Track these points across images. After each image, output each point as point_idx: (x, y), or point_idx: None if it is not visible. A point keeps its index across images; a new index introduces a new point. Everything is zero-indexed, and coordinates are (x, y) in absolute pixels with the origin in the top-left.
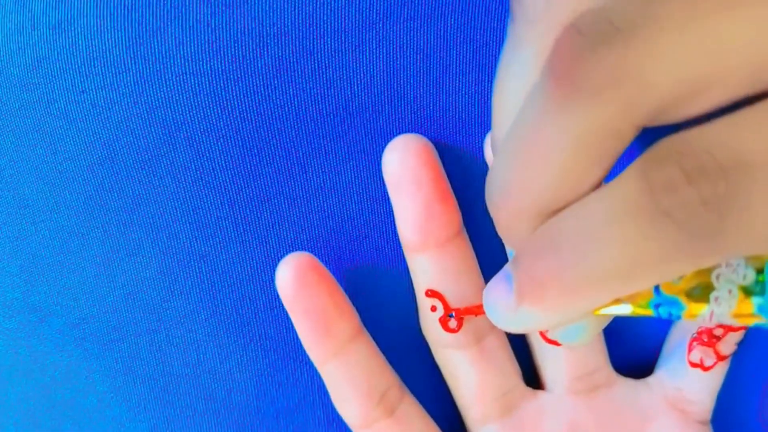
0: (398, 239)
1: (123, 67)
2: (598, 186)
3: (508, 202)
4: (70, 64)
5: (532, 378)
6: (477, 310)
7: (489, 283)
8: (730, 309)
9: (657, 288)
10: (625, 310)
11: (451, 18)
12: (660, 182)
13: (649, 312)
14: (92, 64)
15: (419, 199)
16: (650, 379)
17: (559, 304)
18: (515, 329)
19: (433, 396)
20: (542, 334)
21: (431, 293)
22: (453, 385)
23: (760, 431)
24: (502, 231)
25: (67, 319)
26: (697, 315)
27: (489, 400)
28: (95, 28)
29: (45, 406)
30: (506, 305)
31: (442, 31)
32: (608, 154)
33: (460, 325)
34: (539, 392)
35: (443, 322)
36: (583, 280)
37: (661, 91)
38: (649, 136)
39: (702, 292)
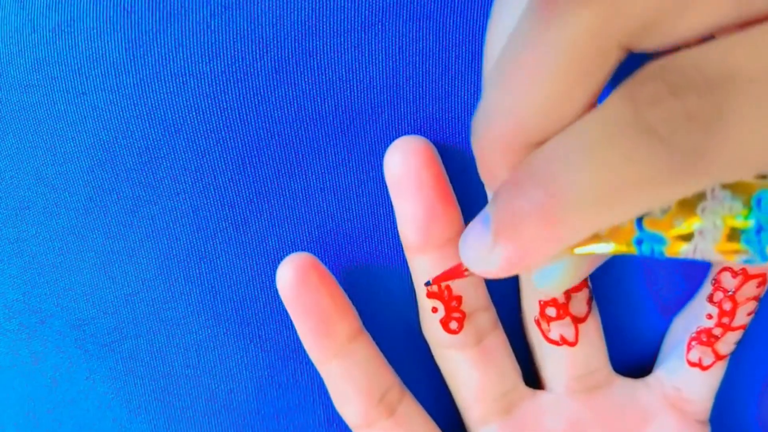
0: (398, 240)
1: (123, 68)
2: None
3: (490, 129)
4: (70, 66)
5: (532, 378)
6: (455, 270)
7: (466, 228)
8: (714, 242)
9: (639, 223)
10: (605, 248)
11: (450, 19)
12: (644, 97)
13: (632, 249)
14: (92, 66)
15: (421, 201)
16: (649, 378)
17: (537, 238)
18: (491, 271)
19: (433, 396)
20: (544, 334)
21: (432, 294)
22: (453, 386)
23: (758, 431)
24: (483, 169)
25: (67, 321)
26: (680, 250)
27: (489, 401)
28: (95, 30)
29: (45, 408)
30: (482, 245)
31: (442, 32)
32: (592, 74)
33: (461, 326)
34: (539, 392)
35: (444, 323)
36: (560, 209)
37: (643, 5)
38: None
39: (686, 224)
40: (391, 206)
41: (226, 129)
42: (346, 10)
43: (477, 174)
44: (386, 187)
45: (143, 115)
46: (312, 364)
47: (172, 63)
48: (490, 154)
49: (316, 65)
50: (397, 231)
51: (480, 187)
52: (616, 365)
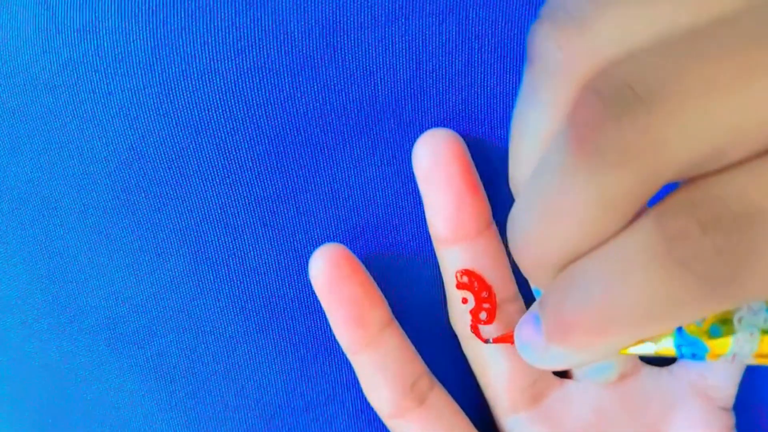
0: (424, 232)
1: (148, 68)
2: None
3: (530, 252)
4: (96, 67)
5: None
6: (509, 338)
7: (519, 323)
8: (752, 351)
9: (680, 328)
10: (648, 349)
11: (473, 11)
12: (675, 232)
13: (673, 352)
14: (117, 66)
15: (451, 193)
16: (674, 366)
17: (586, 345)
18: (548, 367)
19: (460, 386)
20: None
21: (462, 285)
22: (482, 376)
23: None
24: (526, 273)
25: (96, 319)
26: (719, 356)
27: (518, 390)
28: (120, 30)
29: (76, 406)
30: (537, 345)
31: (464, 25)
32: (629, 211)
33: (490, 317)
34: (566, 381)
35: (474, 314)
36: (607, 324)
37: (684, 159)
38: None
39: (724, 332)
40: (417, 198)
41: (252, 126)
42: (370, 4)
43: (502, 166)
44: (412, 179)
45: (169, 114)
46: (341, 358)
47: (197, 61)
48: (530, 266)
49: (340, 60)
50: (424, 222)
51: (505, 178)
52: None
